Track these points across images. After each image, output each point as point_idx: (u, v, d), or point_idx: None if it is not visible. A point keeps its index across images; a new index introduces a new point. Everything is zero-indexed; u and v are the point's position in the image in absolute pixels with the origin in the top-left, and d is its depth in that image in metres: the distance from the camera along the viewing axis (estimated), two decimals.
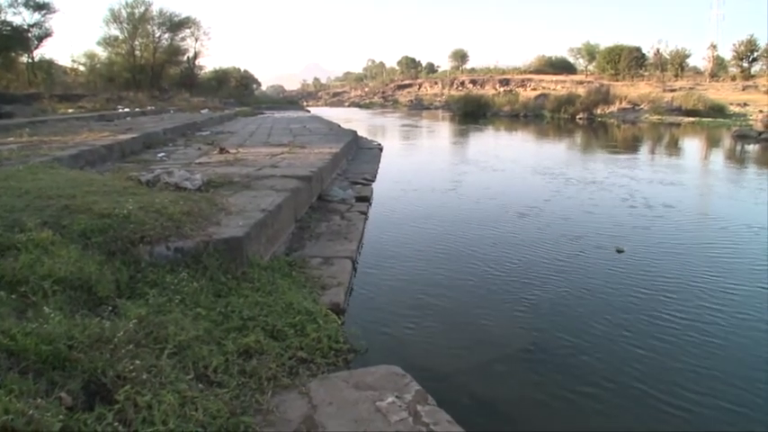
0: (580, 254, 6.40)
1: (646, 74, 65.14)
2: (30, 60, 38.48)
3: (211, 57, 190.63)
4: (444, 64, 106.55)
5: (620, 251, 6.47)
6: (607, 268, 5.88)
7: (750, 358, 3.96)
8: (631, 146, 21.00)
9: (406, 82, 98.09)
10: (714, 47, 65.76)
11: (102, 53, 48.07)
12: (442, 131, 30.46)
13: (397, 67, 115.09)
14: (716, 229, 7.78)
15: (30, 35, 37.27)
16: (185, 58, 52.54)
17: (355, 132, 18.25)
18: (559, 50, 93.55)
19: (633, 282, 5.45)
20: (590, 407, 3.31)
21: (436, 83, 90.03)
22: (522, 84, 71.81)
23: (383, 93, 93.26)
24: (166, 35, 48.95)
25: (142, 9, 46.54)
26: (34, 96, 26.89)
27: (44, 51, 43.98)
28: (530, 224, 7.89)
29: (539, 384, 3.58)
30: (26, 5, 36.26)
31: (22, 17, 36.62)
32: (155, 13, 47.44)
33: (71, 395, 2.29)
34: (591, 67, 76.59)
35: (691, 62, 68.60)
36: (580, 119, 37.02)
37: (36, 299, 3.03)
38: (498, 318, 4.60)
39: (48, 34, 38.58)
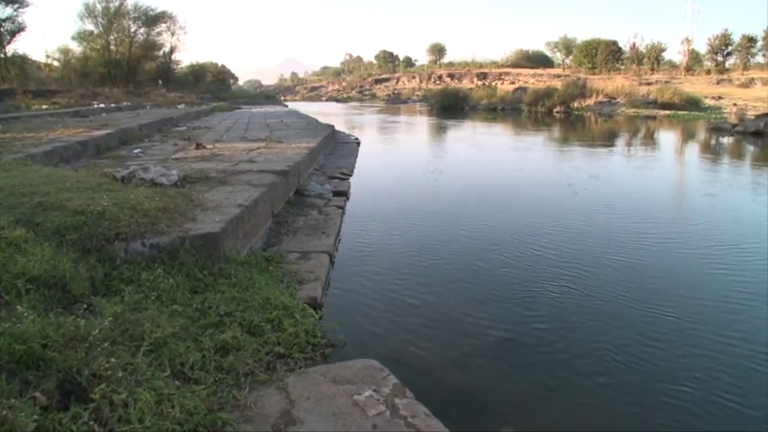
0: (561, 241, 6.47)
1: (622, 67, 65.98)
2: (2, 56, 37.76)
3: (188, 51, 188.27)
4: (422, 58, 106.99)
5: None
6: (584, 250, 5.95)
7: None
8: (615, 140, 21.29)
9: (384, 76, 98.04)
10: (689, 41, 67.00)
11: (76, 48, 47.41)
12: (419, 125, 30.49)
13: (375, 62, 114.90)
14: None
15: (2, 30, 36.59)
16: (161, 52, 51.97)
17: (333, 127, 18.21)
18: (537, 44, 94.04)
19: (624, 276, 5.53)
20: (568, 401, 3.35)
21: (414, 77, 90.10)
22: (500, 77, 72.24)
23: (361, 87, 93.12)
24: (142, 30, 48.39)
25: (117, 3, 45.97)
26: (7, 92, 26.43)
27: (17, 46, 43.25)
28: (508, 216, 7.95)
29: (516, 377, 3.63)
30: None
31: None
32: (130, 7, 46.87)
33: (46, 395, 2.26)
34: (568, 61, 77.45)
35: (666, 56, 69.91)
36: (557, 112, 37.37)
37: (9, 298, 2.99)
38: (476, 311, 4.64)
39: (21, 29, 37.96)
